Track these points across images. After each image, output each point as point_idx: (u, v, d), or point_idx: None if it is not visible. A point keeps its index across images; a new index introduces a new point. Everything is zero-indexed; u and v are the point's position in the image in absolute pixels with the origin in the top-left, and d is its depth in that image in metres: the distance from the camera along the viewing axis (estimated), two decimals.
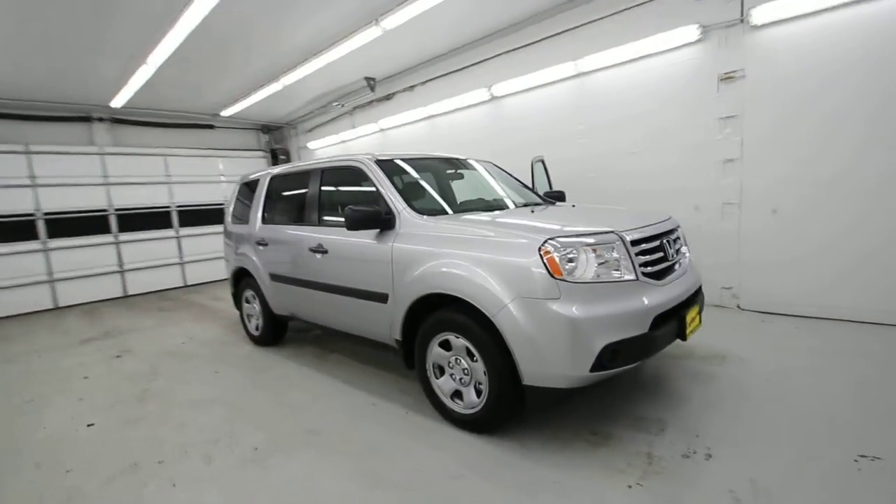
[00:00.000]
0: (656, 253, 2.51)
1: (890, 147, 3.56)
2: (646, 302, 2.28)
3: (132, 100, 7.10)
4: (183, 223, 8.79)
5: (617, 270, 2.28)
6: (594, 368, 2.14)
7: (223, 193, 9.35)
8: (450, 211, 3.14)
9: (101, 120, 7.78)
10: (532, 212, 3.13)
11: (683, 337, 2.48)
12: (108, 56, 5.48)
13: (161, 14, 4.47)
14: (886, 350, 3.26)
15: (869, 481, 1.93)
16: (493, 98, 6.07)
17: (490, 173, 3.92)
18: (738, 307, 4.45)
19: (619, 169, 5.04)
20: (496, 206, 3.43)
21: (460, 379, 2.57)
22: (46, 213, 7.20)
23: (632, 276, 2.30)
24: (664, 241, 2.62)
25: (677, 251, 2.76)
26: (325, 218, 3.59)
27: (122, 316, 6.50)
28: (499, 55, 5.80)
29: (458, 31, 5.72)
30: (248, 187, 4.72)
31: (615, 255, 2.29)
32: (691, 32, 4.29)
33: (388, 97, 7.58)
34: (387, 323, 2.96)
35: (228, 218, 5.00)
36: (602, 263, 2.25)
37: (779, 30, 3.89)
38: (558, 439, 2.44)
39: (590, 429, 2.51)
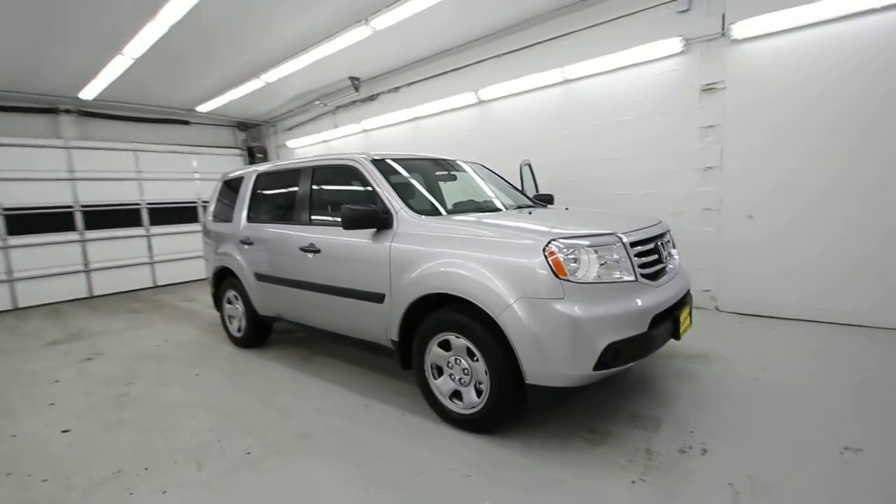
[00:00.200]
0: (651, 255, 2.58)
1: (864, 156, 3.78)
2: (644, 302, 2.34)
3: (104, 92, 6.79)
4: (154, 221, 8.46)
5: (617, 271, 2.33)
6: (597, 367, 2.17)
7: (197, 191, 9.08)
8: (443, 212, 3.15)
9: (67, 112, 7.41)
10: (529, 213, 3.16)
11: (677, 336, 2.56)
12: (80, 45, 5.23)
13: (142, 3, 4.30)
14: (857, 349, 3.44)
15: (855, 471, 2.03)
16: (481, 102, 6.12)
17: (481, 175, 3.94)
18: (717, 309, 4.61)
19: (603, 174, 5.16)
20: (489, 207, 3.45)
21: (460, 379, 2.57)
22: (6, 209, 6.79)
23: (631, 277, 2.35)
24: (658, 243, 2.70)
25: (668, 254, 2.85)
26: (317, 217, 3.53)
27: (89, 317, 6.19)
28: (487, 59, 5.85)
29: (447, 35, 5.75)
30: (231, 185, 4.59)
31: (615, 256, 2.34)
32: (675, 44, 4.45)
33: (372, 98, 7.53)
34: (383, 323, 2.92)
35: (209, 216, 4.85)
36: (603, 264, 2.30)
37: (758, 44, 4.09)
38: (557, 437, 2.47)
39: (587, 427, 2.55)
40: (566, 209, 3.59)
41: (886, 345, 3.49)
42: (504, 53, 5.69)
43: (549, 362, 2.20)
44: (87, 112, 7.63)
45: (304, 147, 9.12)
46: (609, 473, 2.12)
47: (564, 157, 5.43)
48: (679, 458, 2.20)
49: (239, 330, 4.42)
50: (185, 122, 8.98)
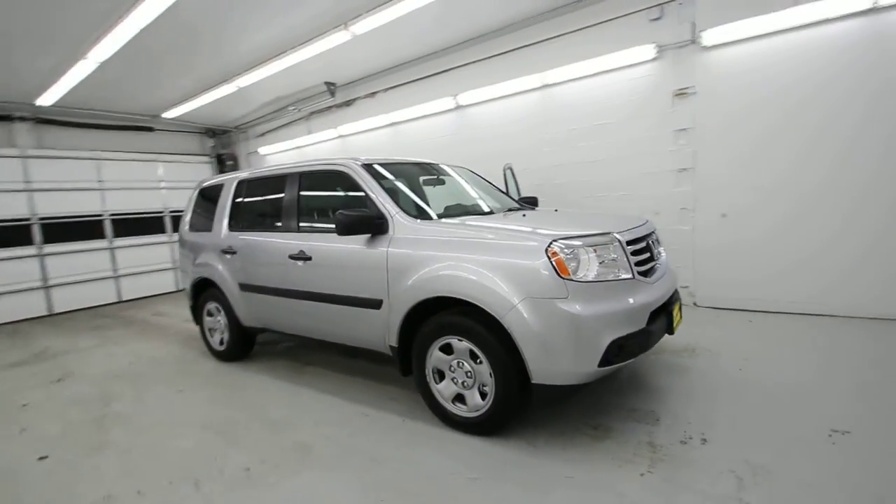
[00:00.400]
0: (644, 253, 2.66)
1: (825, 157, 4.03)
2: (642, 299, 2.41)
3: (63, 98, 6.46)
4: (118, 233, 8.09)
5: (616, 270, 2.39)
6: (602, 363, 2.22)
7: (163, 201, 8.74)
8: (434, 216, 3.14)
9: (23, 119, 6.99)
10: (524, 216, 3.20)
11: (671, 331, 2.64)
12: (39, 48, 4.96)
13: (110, 6, 4.12)
14: (828, 337, 3.65)
15: (844, 452, 2.15)
16: (459, 107, 6.16)
17: (468, 179, 3.96)
18: (695, 304, 4.79)
19: (582, 177, 5.28)
20: (480, 211, 3.48)
21: (463, 382, 2.57)
22: None
23: (629, 275, 2.42)
24: (649, 241, 2.79)
25: (658, 251, 2.95)
26: (306, 224, 3.46)
27: (51, 336, 5.83)
28: (466, 65, 5.91)
29: (425, 40, 5.77)
30: (209, 193, 4.44)
31: (613, 255, 2.40)
32: (648, 51, 4.62)
33: (348, 103, 7.46)
34: (381, 329, 2.89)
35: (185, 226, 4.67)
36: (602, 263, 2.35)
37: (727, 51, 4.30)
38: (561, 435, 2.50)
39: (589, 423, 2.60)
40: (555, 211, 3.66)
41: (852, 332, 3.71)
42: (483, 59, 5.75)
43: (555, 361, 2.23)
44: (45, 119, 7.22)
45: (277, 154, 8.93)
46: (618, 468, 2.16)
47: (545, 161, 5.53)
48: (682, 449, 2.27)
49: (221, 343, 4.27)
50: (150, 129, 8.63)
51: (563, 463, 2.25)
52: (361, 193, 3.09)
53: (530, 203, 4.11)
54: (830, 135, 3.98)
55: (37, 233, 7.07)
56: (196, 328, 4.65)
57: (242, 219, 4.02)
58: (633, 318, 2.33)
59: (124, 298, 8.10)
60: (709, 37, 4.29)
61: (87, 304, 7.60)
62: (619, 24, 4.76)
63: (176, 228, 8.73)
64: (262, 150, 9.14)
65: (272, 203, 3.76)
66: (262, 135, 9.17)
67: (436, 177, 3.82)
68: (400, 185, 3.39)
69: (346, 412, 3.01)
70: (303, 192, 3.53)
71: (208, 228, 4.26)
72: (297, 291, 3.38)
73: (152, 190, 8.61)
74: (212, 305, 4.26)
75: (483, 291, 2.37)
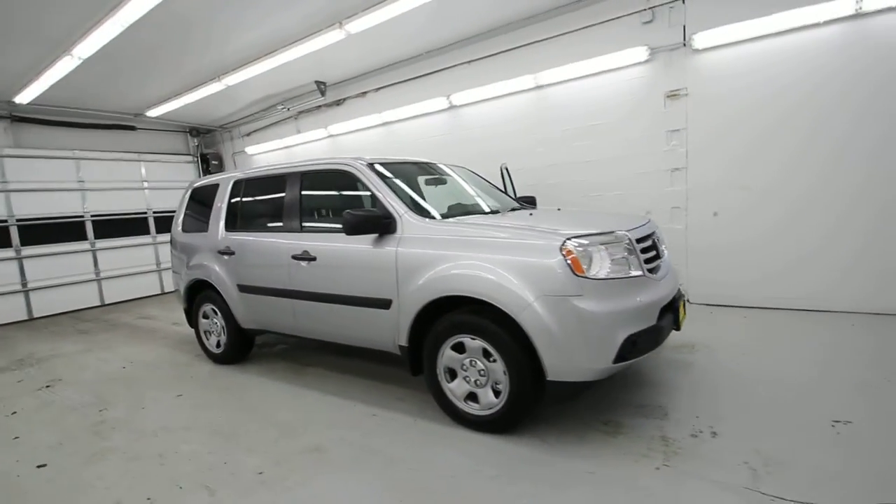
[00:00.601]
0: (651, 251, 2.72)
1: (817, 158, 4.16)
2: (652, 295, 2.46)
3: (41, 96, 6.22)
4: (99, 234, 7.84)
5: (626, 267, 2.43)
6: (616, 360, 2.26)
7: (147, 201, 8.52)
8: (437, 215, 3.12)
9: None
10: (531, 215, 3.23)
11: (678, 327, 2.70)
12: (19, 44, 4.78)
13: (98, 1, 4.00)
14: (829, 332, 3.78)
15: (850, 441, 2.24)
16: (453, 107, 6.17)
17: (469, 179, 3.98)
18: (688, 301, 4.90)
19: (576, 177, 5.35)
20: (482, 210, 3.49)
21: (476, 381, 2.57)
22: None
23: (639, 273, 2.46)
24: (653, 240, 2.85)
25: (661, 249, 3.01)
26: (310, 224, 3.42)
27: (34, 341, 5.63)
28: (459, 65, 5.91)
29: (419, 39, 5.75)
30: (202, 193, 4.35)
31: (624, 253, 2.45)
32: (641, 53, 4.71)
33: (338, 102, 7.39)
34: (390, 330, 2.88)
35: (177, 227, 4.57)
36: (614, 261, 2.40)
37: (718, 53, 4.41)
38: (574, 432, 2.53)
39: (599, 419, 2.64)
40: (558, 210, 3.70)
41: (841, 327, 3.85)
42: (477, 59, 5.77)
43: (571, 358, 2.26)
44: (21, 118, 6.95)
45: (265, 154, 8.78)
46: (634, 462, 2.20)
47: (539, 161, 5.58)
48: (694, 443, 2.32)
49: (218, 346, 4.19)
50: (132, 128, 8.40)
51: (580, 459, 2.28)
52: (366, 193, 3.07)
53: (529, 202, 4.15)
54: (822, 136, 4.10)
55: (14, 234, 6.81)
56: (188, 331, 4.55)
57: (240, 219, 3.95)
58: (644, 314, 2.38)
59: (107, 301, 7.87)
60: (700, 40, 4.40)
61: (69, 307, 7.36)
62: (611, 27, 4.83)
63: (159, 229, 8.57)
64: (250, 150, 8.98)
65: (273, 203, 3.70)
66: (249, 134, 9.00)
67: (437, 176, 3.83)
68: (406, 184, 3.37)
69: (354, 413, 2.99)
70: (305, 192, 3.48)
71: (203, 229, 4.18)
72: (300, 292, 3.34)
73: (135, 190, 8.39)
74: (208, 308, 4.17)
75: (498, 290, 2.38)
